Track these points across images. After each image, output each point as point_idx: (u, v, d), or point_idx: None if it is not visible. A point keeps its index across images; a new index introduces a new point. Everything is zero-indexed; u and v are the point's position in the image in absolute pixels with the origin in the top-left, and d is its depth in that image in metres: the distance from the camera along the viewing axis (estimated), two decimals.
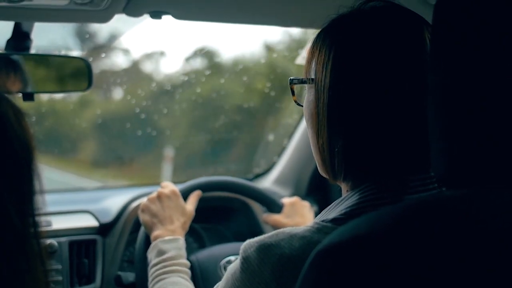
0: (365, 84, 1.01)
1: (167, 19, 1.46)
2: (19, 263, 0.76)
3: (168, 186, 1.70)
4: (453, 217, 0.73)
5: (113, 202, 2.02)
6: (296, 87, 1.18)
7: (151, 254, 1.54)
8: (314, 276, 0.74)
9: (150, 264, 1.51)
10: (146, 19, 1.46)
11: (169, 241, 1.53)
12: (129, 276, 1.78)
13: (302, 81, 1.13)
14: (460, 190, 0.79)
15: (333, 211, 1.04)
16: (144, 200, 1.67)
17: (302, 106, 1.15)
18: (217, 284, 1.13)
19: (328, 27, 1.09)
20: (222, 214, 2.13)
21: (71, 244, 1.84)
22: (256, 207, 2.08)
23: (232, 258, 1.70)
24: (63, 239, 1.82)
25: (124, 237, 1.92)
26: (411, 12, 1.07)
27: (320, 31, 1.11)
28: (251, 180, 2.44)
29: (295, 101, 1.18)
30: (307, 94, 1.13)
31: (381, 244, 0.71)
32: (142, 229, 1.68)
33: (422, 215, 0.74)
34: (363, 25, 1.04)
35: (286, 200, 1.89)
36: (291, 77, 1.15)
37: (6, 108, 0.79)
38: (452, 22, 0.78)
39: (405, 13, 1.06)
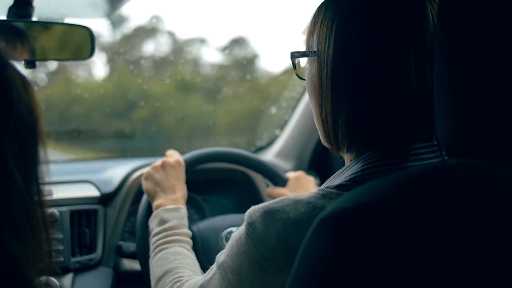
0: (368, 54, 1.02)
1: None
2: (23, 230, 0.76)
3: (174, 155, 1.70)
4: (457, 186, 0.73)
5: (115, 172, 2.03)
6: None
7: (152, 223, 1.54)
8: (317, 242, 0.73)
9: (152, 233, 1.52)
10: None
11: (171, 210, 1.54)
12: (130, 246, 1.78)
13: (304, 54, 1.14)
14: (465, 159, 0.78)
15: (337, 179, 1.06)
16: (147, 169, 1.66)
17: (304, 79, 1.16)
18: (221, 252, 1.13)
19: (329, 1, 1.09)
20: (223, 186, 2.13)
21: (72, 213, 1.85)
22: (259, 180, 2.08)
23: (233, 229, 1.70)
24: (64, 209, 1.83)
25: (126, 208, 1.93)
26: None
27: (321, 4, 1.11)
28: (253, 153, 2.44)
29: (297, 75, 1.18)
30: (309, 67, 1.13)
31: (385, 212, 0.71)
32: (144, 197, 1.68)
33: (427, 183, 0.73)
34: None
35: (291, 174, 1.89)
36: (292, 51, 1.15)
37: (13, 74, 0.79)
38: None
39: None
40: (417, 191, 0.72)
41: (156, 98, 3.34)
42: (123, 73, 3.33)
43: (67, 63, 2.96)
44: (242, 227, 1.06)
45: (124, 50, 3.37)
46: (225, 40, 3.50)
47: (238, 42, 3.45)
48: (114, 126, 3.26)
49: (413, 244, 0.69)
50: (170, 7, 3.20)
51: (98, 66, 3.34)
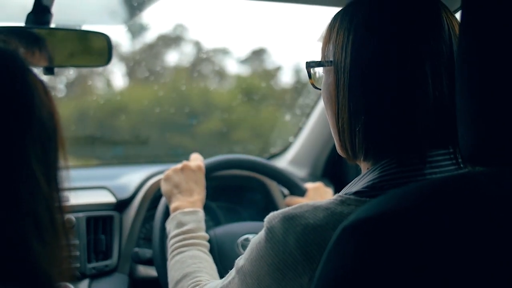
0: (385, 63, 1.03)
1: None
2: (47, 233, 0.77)
3: (197, 159, 1.71)
4: (480, 196, 0.73)
5: (131, 178, 2.03)
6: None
7: (170, 225, 1.55)
8: (341, 250, 0.74)
9: (169, 236, 1.53)
10: None
11: (189, 213, 1.54)
12: (146, 253, 1.78)
13: (320, 64, 1.15)
14: (487, 169, 0.78)
15: (355, 186, 1.06)
16: (166, 172, 1.67)
17: (319, 89, 1.17)
18: (240, 256, 1.14)
19: (344, 10, 1.11)
20: (238, 193, 2.13)
21: (88, 219, 1.85)
22: (274, 187, 2.08)
23: (250, 236, 1.70)
24: (80, 215, 1.83)
25: (141, 214, 1.93)
26: None
27: (337, 13, 1.12)
28: (267, 159, 2.44)
29: (312, 84, 1.19)
30: (325, 76, 1.14)
31: (408, 221, 0.71)
32: (163, 199, 1.68)
33: (449, 193, 0.74)
34: (380, 6, 1.06)
35: (309, 185, 1.91)
36: (308, 60, 1.16)
37: (35, 80, 0.80)
38: (483, 2, 0.77)
39: None
40: (438, 200, 0.72)
41: (223, 109, 3.24)
42: (177, 82, 3.28)
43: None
44: (262, 232, 1.07)
45: (147, 58, 3.33)
46: (246, 51, 3.48)
47: (258, 53, 3.42)
48: (175, 140, 3.19)
49: (434, 252, 0.69)
50: (193, 15, 3.18)
51: (118, 75, 3.32)
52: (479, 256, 0.69)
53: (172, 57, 3.60)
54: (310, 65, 1.17)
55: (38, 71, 0.85)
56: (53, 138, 0.81)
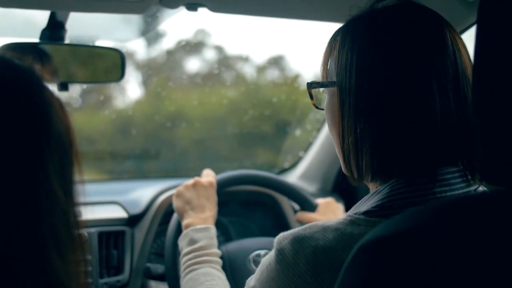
0: (391, 83, 1.02)
1: (202, 11, 1.46)
2: (66, 248, 0.77)
3: (209, 175, 1.71)
4: (495, 215, 0.73)
5: (142, 193, 2.03)
6: None
7: (182, 242, 1.55)
8: (357, 270, 0.74)
9: (182, 253, 1.53)
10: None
11: (201, 230, 1.54)
12: (158, 268, 1.78)
13: (322, 85, 1.13)
14: (502, 187, 0.78)
15: (364, 205, 1.05)
16: (178, 189, 1.67)
17: (322, 109, 1.15)
18: (250, 277, 1.14)
19: (345, 27, 1.10)
20: (249, 208, 2.13)
21: (100, 235, 1.85)
22: (285, 203, 2.08)
23: (261, 252, 1.70)
24: (92, 230, 1.83)
25: (153, 229, 1.93)
26: (428, 9, 1.08)
27: (337, 31, 1.11)
28: (277, 174, 2.44)
29: (315, 105, 1.18)
30: (328, 97, 1.12)
31: (424, 240, 0.71)
32: (174, 216, 1.68)
33: (465, 212, 0.74)
34: (383, 25, 1.06)
35: (320, 200, 1.90)
36: (309, 81, 1.15)
37: (51, 97, 0.81)
38: (498, 19, 0.77)
39: (422, 10, 1.07)
40: (454, 219, 0.73)
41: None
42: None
43: None
44: (272, 253, 1.06)
45: (171, 65, 3.30)
46: (263, 58, 3.44)
47: (276, 61, 3.39)
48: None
49: (453, 271, 0.69)
50: (214, 22, 3.14)
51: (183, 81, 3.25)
52: (497, 273, 0.69)
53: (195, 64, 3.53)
54: (312, 86, 1.15)
55: (52, 87, 0.86)
56: (69, 153, 0.82)
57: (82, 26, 1.62)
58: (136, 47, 3.09)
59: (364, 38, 1.05)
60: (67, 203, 0.79)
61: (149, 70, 3.28)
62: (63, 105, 0.84)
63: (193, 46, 3.29)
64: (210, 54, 3.45)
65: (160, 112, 3.25)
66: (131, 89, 3.30)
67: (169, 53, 3.26)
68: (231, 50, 3.38)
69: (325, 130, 2.32)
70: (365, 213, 1.01)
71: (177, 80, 3.38)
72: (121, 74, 1.55)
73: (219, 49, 3.35)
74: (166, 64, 3.29)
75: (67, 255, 0.78)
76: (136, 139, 3.12)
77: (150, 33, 2.66)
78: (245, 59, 3.38)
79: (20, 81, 0.80)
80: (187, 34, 3.29)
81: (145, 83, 3.29)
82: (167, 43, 3.29)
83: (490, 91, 0.77)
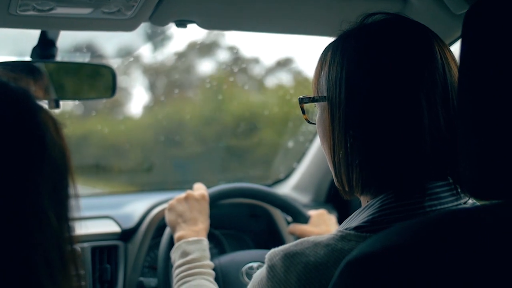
0: (381, 98, 1.02)
1: (192, 27, 1.47)
2: (55, 266, 0.78)
3: (200, 189, 1.72)
4: (484, 230, 0.73)
5: (135, 207, 2.04)
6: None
7: (174, 255, 1.55)
8: (345, 285, 0.75)
9: (174, 265, 1.53)
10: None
11: (193, 242, 1.55)
12: (151, 282, 1.79)
13: (313, 100, 1.14)
14: (490, 202, 0.79)
15: (355, 220, 1.06)
16: (170, 202, 1.68)
17: (314, 124, 1.16)
18: None
19: (335, 42, 1.10)
20: (242, 221, 2.14)
21: (94, 249, 1.86)
22: (277, 214, 2.08)
23: (254, 264, 1.71)
24: (85, 245, 1.84)
25: (146, 243, 1.93)
26: (417, 23, 1.09)
27: (326, 48, 1.12)
28: (270, 186, 2.45)
29: (307, 119, 1.18)
30: (319, 111, 1.13)
31: (411, 255, 0.72)
32: (167, 229, 1.69)
33: (453, 227, 0.74)
34: (372, 40, 1.06)
35: (313, 212, 1.91)
36: (301, 96, 1.16)
37: (46, 118, 0.81)
38: (483, 31, 0.78)
39: (410, 24, 1.08)
40: (442, 234, 0.73)
41: None
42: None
43: None
44: (263, 270, 1.07)
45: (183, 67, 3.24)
46: (272, 61, 3.37)
47: (284, 63, 3.35)
48: None
49: (438, 286, 0.70)
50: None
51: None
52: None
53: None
54: (303, 101, 1.15)
55: (45, 104, 0.86)
56: (64, 175, 0.82)
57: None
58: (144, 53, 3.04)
59: (354, 53, 1.06)
60: (59, 224, 0.80)
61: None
62: (60, 127, 0.84)
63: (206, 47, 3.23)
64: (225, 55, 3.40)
65: None
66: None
67: (181, 54, 3.20)
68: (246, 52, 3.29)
69: (319, 141, 2.32)
70: (356, 228, 1.02)
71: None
72: (112, 91, 1.56)
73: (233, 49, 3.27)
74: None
75: (58, 276, 0.78)
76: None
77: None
78: (256, 61, 3.35)
79: (15, 104, 0.80)
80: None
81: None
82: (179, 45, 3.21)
83: (474, 103, 0.78)
